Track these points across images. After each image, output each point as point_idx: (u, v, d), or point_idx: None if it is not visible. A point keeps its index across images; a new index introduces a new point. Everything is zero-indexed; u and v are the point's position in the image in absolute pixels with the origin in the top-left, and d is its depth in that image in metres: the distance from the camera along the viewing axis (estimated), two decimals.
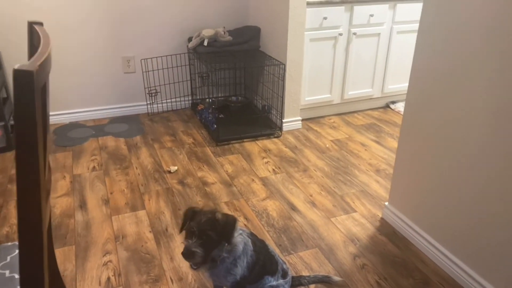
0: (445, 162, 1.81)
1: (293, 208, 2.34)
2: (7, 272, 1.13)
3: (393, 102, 3.83)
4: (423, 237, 1.98)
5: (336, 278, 1.80)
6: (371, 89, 3.63)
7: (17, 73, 0.68)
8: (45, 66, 0.80)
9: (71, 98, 3.39)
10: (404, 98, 3.77)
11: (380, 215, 2.27)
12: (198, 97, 3.74)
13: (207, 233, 1.31)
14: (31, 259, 0.87)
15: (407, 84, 3.52)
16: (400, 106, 3.75)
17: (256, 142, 3.13)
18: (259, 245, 1.53)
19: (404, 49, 3.57)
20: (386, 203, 2.23)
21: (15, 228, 2.11)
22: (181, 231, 1.40)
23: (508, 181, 1.53)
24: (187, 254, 1.31)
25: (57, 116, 3.37)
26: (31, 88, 0.69)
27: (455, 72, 1.68)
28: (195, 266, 1.34)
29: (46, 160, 0.86)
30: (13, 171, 2.65)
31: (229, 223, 1.37)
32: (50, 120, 3.41)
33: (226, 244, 1.36)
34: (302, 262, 1.93)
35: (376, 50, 3.49)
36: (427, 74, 1.83)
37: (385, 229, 2.16)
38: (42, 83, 0.79)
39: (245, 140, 3.14)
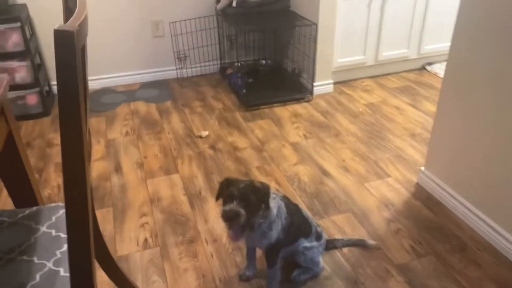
0: (486, 126, 1.72)
1: (325, 173, 2.32)
2: (53, 232, 1.17)
3: (430, 64, 3.66)
4: (459, 202, 1.93)
5: (371, 242, 1.79)
6: (407, 50, 3.47)
7: (58, 34, 0.67)
8: (83, 27, 0.79)
9: (102, 63, 3.41)
10: (441, 59, 3.60)
11: (415, 180, 2.22)
12: (226, 61, 3.69)
13: (248, 196, 1.31)
14: (78, 218, 0.89)
15: (445, 44, 3.34)
16: (436, 68, 3.58)
17: (286, 107, 3.09)
18: (292, 208, 1.53)
19: (444, 6, 3.36)
20: (422, 168, 2.17)
21: (56, 190, 2.20)
22: (217, 199, 1.39)
23: None
24: (232, 214, 1.29)
25: (89, 81, 3.42)
26: (72, 48, 0.68)
27: (503, 31, 1.57)
28: (236, 233, 1.33)
29: (87, 122, 0.86)
30: (51, 135, 2.74)
31: (266, 189, 1.37)
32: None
33: (263, 208, 1.36)
34: (335, 226, 1.92)
35: (413, 8, 3.29)
36: (471, 33, 1.72)
37: (420, 194, 2.12)
38: (81, 44, 0.78)
39: (275, 104, 3.10)
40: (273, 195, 1.45)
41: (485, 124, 1.74)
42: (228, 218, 1.30)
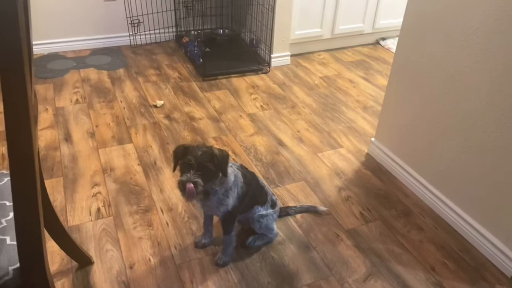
0: (431, 100, 1.81)
1: (281, 143, 2.36)
2: None
3: (383, 39, 3.76)
4: (406, 171, 2.04)
5: (322, 208, 1.87)
6: (362, 24, 3.53)
7: None
8: None
9: (49, 27, 3.20)
10: (394, 35, 3.71)
11: (366, 151, 2.32)
12: (182, 29, 3.58)
13: (206, 165, 1.29)
14: (24, 186, 0.86)
15: (398, 20, 3.42)
16: (390, 43, 3.69)
17: (244, 77, 3.07)
18: (249, 177, 1.55)
19: None
20: (372, 139, 2.26)
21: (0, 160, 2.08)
22: (174, 169, 1.37)
23: (487, 120, 1.55)
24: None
25: (35, 46, 3.20)
26: None
27: (451, 9, 1.63)
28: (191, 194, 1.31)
29: (32, 84, 0.81)
30: None
31: (224, 156, 1.36)
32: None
33: (220, 176, 1.36)
34: (289, 194, 1.98)
35: None
36: (422, 10, 1.77)
37: (370, 163, 2.22)
38: None
39: (232, 75, 3.07)
40: (231, 163, 1.46)
41: (430, 98, 1.83)
42: (185, 188, 1.28)
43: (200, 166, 1.29)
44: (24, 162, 0.82)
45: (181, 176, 1.32)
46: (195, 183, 1.27)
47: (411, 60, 1.89)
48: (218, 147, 2.26)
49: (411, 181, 2.02)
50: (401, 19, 1.93)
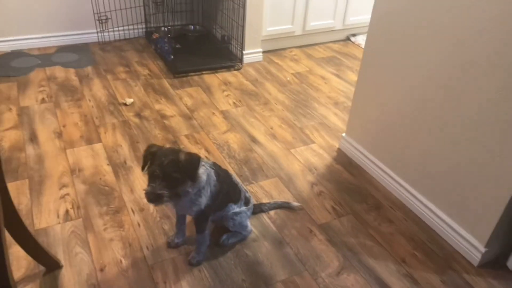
0: (401, 95, 1.85)
1: (254, 140, 2.35)
2: None
3: (354, 35, 3.81)
4: (376, 165, 2.08)
5: (295, 204, 1.88)
6: (333, 21, 3.57)
7: None
8: None
9: (11, 24, 3.07)
10: (364, 31, 3.76)
11: (337, 146, 2.34)
12: (152, 25, 3.52)
13: (172, 175, 1.26)
14: None
15: (368, 17, 3.48)
16: (360, 39, 3.74)
17: (216, 74, 3.04)
18: (222, 175, 1.53)
19: None
20: (343, 134, 2.29)
21: None
22: (142, 169, 1.34)
23: (455, 114, 1.60)
24: (153, 198, 1.26)
25: None
26: None
27: (419, 3, 1.66)
28: (158, 205, 1.29)
29: None
30: None
31: (193, 162, 1.31)
32: None
33: (189, 182, 1.34)
34: (263, 191, 1.98)
35: None
36: (390, 5, 1.80)
37: (341, 158, 2.25)
38: None
39: (204, 72, 3.04)
40: (203, 162, 1.44)
41: (399, 93, 1.86)
42: (151, 200, 1.27)
43: (165, 176, 1.26)
44: None
45: (147, 185, 1.29)
46: (159, 195, 1.25)
47: (380, 55, 1.93)
48: (188, 150, 2.25)
49: (381, 175, 2.06)
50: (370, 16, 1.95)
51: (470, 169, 1.61)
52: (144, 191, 1.30)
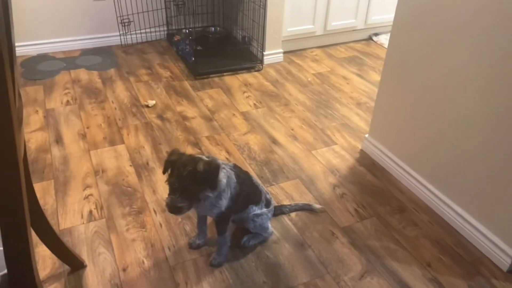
0: (425, 95, 1.80)
1: (274, 141, 2.34)
2: None
3: (376, 34, 3.75)
4: (401, 167, 2.03)
5: (317, 206, 1.85)
6: (355, 20, 3.52)
7: None
8: None
9: (38, 28, 3.16)
10: (387, 30, 3.70)
11: (360, 147, 2.30)
12: (174, 28, 3.55)
13: (191, 188, 1.28)
14: (9, 190, 0.83)
15: (391, 15, 3.42)
16: (382, 39, 3.68)
17: (236, 75, 3.05)
18: (242, 177, 1.53)
19: None
20: (366, 135, 2.25)
21: None
22: (164, 173, 1.35)
23: (483, 115, 1.54)
24: (173, 210, 1.30)
25: (23, 47, 3.16)
26: None
27: (443, 3, 1.62)
28: (178, 215, 1.33)
29: (15, 84, 0.79)
30: None
31: (212, 172, 1.31)
32: (16, 51, 3.20)
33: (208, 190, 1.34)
34: (284, 193, 1.96)
35: None
36: (414, 3, 1.76)
37: (364, 160, 2.21)
38: None
39: (224, 73, 3.05)
40: (223, 165, 1.43)
41: (424, 93, 1.82)
42: (171, 211, 1.31)
43: (184, 189, 1.29)
44: (7, 166, 0.80)
45: (168, 195, 1.32)
46: (179, 208, 1.29)
47: (404, 55, 1.88)
48: (211, 147, 2.25)
49: (406, 177, 2.01)
50: (393, 14, 1.91)
51: (501, 171, 1.55)
52: (164, 201, 1.34)
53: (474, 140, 1.63)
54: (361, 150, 2.28)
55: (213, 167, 1.31)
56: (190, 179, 1.28)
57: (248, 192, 1.54)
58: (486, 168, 1.61)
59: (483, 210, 1.66)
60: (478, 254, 1.68)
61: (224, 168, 1.43)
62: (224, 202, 1.43)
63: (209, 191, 1.34)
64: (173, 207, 1.30)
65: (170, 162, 1.32)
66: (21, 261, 0.94)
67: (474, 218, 1.71)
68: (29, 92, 2.70)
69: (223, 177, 1.40)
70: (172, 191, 1.31)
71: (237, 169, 1.54)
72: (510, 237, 1.57)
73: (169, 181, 1.32)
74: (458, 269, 1.61)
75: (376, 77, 3.07)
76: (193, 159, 1.32)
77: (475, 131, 1.62)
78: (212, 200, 1.40)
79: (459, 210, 1.76)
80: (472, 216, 1.71)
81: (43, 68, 3.01)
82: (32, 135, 2.29)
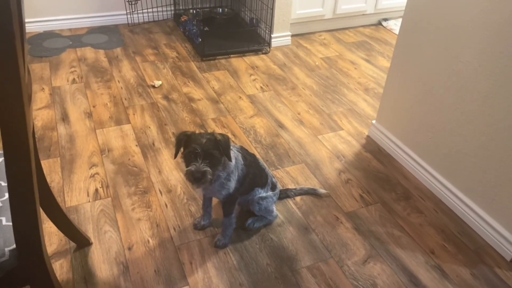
0: (434, 84, 1.78)
1: (281, 125, 2.33)
2: None
3: (386, 20, 3.69)
4: (407, 153, 2.02)
5: (322, 191, 1.85)
6: (365, 4, 3.46)
7: None
8: None
9: (44, 5, 3.12)
10: (397, 16, 3.64)
11: (366, 133, 2.29)
12: (181, 8, 3.51)
13: (212, 152, 1.28)
14: (19, 166, 0.83)
15: (401, 1, 3.36)
16: (392, 24, 3.62)
17: (243, 58, 3.02)
18: (249, 159, 1.53)
19: None
20: (374, 121, 2.24)
21: None
22: (176, 156, 1.35)
23: (491, 104, 1.52)
24: (199, 176, 1.26)
25: (30, 24, 3.13)
26: None
27: None
28: (200, 185, 1.30)
29: (25, 60, 0.78)
30: None
31: (227, 142, 1.34)
32: None
33: (224, 161, 1.34)
34: (289, 177, 1.96)
35: None
36: None
37: (371, 146, 2.20)
38: None
39: (231, 55, 3.02)
40: (231, 147, 1.43)
41: (434, 81, 1.79)
42: (195, 178, 1.28)
43: (206, 154, 1.28)
44: (18, 142, 0.80)
45: (188, 166, 1.30)
46: (204, 172, 1.26)
47: (414, 42, 1.85)
48: (217, 129, 2.25)
49: (412, 164, 2.00)
50: (403, 0, 1.87)
51: (508, 160, 1.54)
52: (186, 172, 1.30)
53: (481, 129, 1.61)
54: (368, 136, 2.27)
55: (225, 138, 1.34)
56: (211, 145, 1.28)
57: (254, 174, 1.54)
58: (492, 157, 1.59)
59: (488, 199, 1.66)
60: (482, 243, 1.68)
61: (231, 149, 1.43)
62: (232, 184, 1.43)
63: (220, 169, 1.34)
64: (198, 172, 1.26)
65: (186, 136, 1.32)
66: (30, 237, 0.95)
67: (479, 207, 1.70)
68: (35, 69, 2.69)
69: (232, 158, 1.40)
70: (193, 159, 1.28)
71: (243, 151, 1.54)
72: None
73: (189, 150, 1.29)
74: (461, 257, 1.62)
75: (385, 63, 3.03)
76: (207, 132, 1.35)
77: (482, 120, 1.60)
78: (222, 180, 1.40)
79: (464, 198, 1.76)
80: (477, 205, 1.71)
81: (49, 45, 2.99)
82: (38, 112, 2.28)
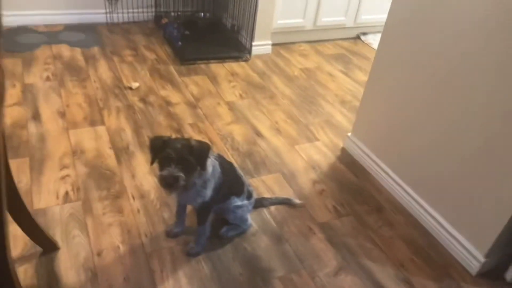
0: (410, 100, 1.83)
1: (258, 134, 2.33)
2: None
3: (364, 34, 3.77)
4: (380, 167, 2.07)
5: (296, 201, 1.86)
6: (345, 18, 3.53)
7: None
8: None
9: None
10: (375, 30, 3.72)
11: (342, 145, 2.33)
12: (162, 10, 3.47)
13: (186, 158, 1.26)
14: None
15: (380, 16, 3.44)
16: (370, 39, 3.71)
17: (223, 64, 3.01)
18: (227, 167, 1.52)
19: None
20: (349, 134, 2.27)
21: None
22: (152, 163, 1.32)
23: (467, 124, 1.58)
24: (171, 181, 1.25)
25: (3, 17, 3.02)
26: None
27: (435, 11, 1.64)
28: (173, 190, 1.28)
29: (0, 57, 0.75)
30: None
31: (204, 149, 1.32)
32: None
33: (199, 169, 1.33)
34: (265, 186, 1.97)
35: None
36: (407, 8, 1.77)
37: (345, 158, 2.23)
38: None
39: (211, 61, 3.01)
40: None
41: (410, 98, 1.84)
42: (167, 183, 1.26)
43: (180, 159, 1.26)
44: None
45: (161, 170, 1.28)
46: (177, 178, 1.25)
47: (392, 58, 1.90)
48: (198, 138, 2.23)
49: (384, 177, 2.04)
50: (383, 15, 1.92)
51: (476, 178, 1.60)
52: (159, 176, 1.28)
53: (455, 148, 1.67)
54: (343, 148, 2.31)
55: (205, 145, 1.33)
56: (185, 151, 1.27)
57: (231, 182, 1.54)
58: (462, 173, 1.65)
59: (456, 214, 1.71)
60: (449, 257, 1.73)
61: (209, 157, 1.42)
62: (208, 192, 1.42)
63: (196, 175, 1.33)
64: (171, 177, 1.25)
65: (162, 141, 1.30)
66: None
67: (448, 222, 1.75)
68: (7, 65, 2.60)
69: (208, 165, 1.38)
70: (167, 163, 1.27)
71: (221, 159, 1.53)
72: (481, 242, 1.62)
73: (163, 155, 1.27)
74: (429, 270, 1.65)
75: (362, 77, 3.09)
76: (184, 138, 1.34)
77: (456, 138, 1.65)
78: (198, 187, 1.38)
79: (434, 213, 1.81)
80: (445, 220, 1.76)
81: (22, 40, 2.90)
82: (8, 110, 2.20)
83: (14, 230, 1.51)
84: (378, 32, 3.66)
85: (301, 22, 3.36)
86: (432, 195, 1.81)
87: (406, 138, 1.90)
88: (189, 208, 1.67)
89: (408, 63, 1.82)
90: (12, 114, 2.17)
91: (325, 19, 3.44)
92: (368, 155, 2.14)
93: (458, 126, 1.64)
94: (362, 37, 3.74)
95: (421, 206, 1.86)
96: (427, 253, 1.73)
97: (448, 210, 1.75)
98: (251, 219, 1.73)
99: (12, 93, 2.34)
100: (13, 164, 1.85)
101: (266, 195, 1.90)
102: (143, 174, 1.91)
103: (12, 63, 2.61)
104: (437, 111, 1.72)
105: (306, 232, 1.75)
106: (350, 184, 2.05)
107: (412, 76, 1.81)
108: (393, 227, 1.83)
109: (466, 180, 1.64)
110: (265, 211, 1.82)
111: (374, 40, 3.65)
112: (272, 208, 1.84)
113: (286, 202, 1.87)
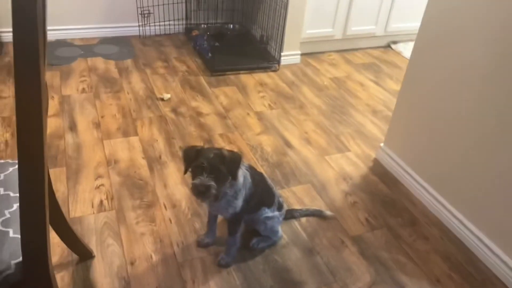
0: (445, 109, 1.78)
1: (288, 144, 2.32)
2: (1, 190, 1.09)
3: (395, 42, 3.71)
4: (414, 179, 2.01)
5: (328, 213, 1.84)
6: (374, 26, 3.49)
7: None
8: None
9: (58, 13, 3.16)
10: (406, 39, 3.66)
11: (374, 156, 2.28)
12: (192, 22, 3.54)
13: (218, 168, 1.27)
14: (33, 177, 0.83)
15: (411, 24, 3.39)
16: (401, 47, 3.64)
17: (252, 74, 3.03)
18: (257, 178, 1.52)
19: None
20: (382, 144, 2.23)
21: (3, 146, 2.05)
22: (186, 172, 1.35)
23: (503, 133, 1.52)
24: (203, 189, 1.26)
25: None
26: None
27: (471, 17, 1.59)
28: (204, 199, 1.30)
29: (44, 72, 0.78)
30: None
31: (236, 159, 1.33)
32: None
33: (230, 179, 1.33)
34: (295, 197, 1.95)
35: None
36: (441, 16, 1.73)
37: (378, 169, 2.19)
38: None
39: (241, 72, 3.03)
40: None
41: (444, 107, 1.79)
42: (199, 192, 1.28)
43: (212, 168, 1.27)
44: (33, 155, 0.79)
45: (193, 179, 1.30)
46: (208, 187, 1.26)
47: (427, 66, 1.86)
48: (223, 145, 2.24)
49: (419, 189, 1.99)
50: (414, 23, 1.89)
51: None
52: (191, 184, 1.30)
53: (494, 159, 1.60)
54: (375, 158, 2.26)
55: (237, 156, 1.34)
56: (218, 160, 1.28)
57: (262, 193, 1.53)
58: (503, 186, 1.58)
59: (496, 228, 1.64)
60: (489, 273, 1.65)
61: (240, 167, 1.42)
62: (239, 202, 1.42)
63: (228, 186, 1.34)
64: (202, 186, 1.26)
65: (195, 151, 1.32)
66: (38, 250, 0.94)
67: (486, 236, 1.68)
68: (47, 78, 2.70)
69: (240, 176, 1.39)
70: (199, 172, 1.28)
71: (252, 170, 1.53)
72: None
73: (196, 164, 1.29)
74: (467, 287, 1.59)
75: (393, 86, 3.04)
76: (216, 148, 1.35)
77: (495, 149, 1.59)
78: (229, 198, 1.39)
79: (471, 226, 1.74)
80: (484, 234, 1.69)
81: (60, 54, 3.02)
82: (47, 121, 2.29)
83: (52, 238, 1.55)
84: (409, 40, 3.60)
85: (330, 31, 3.35)
86: (470, 209, 1.75)
87: (442, 149, 1.85)
88: (220, 218, 1.67)
89: (443, 71, 1.78)
90: (51, 124, 2.26)
91: (355, 28, 3.41)
92: (401, 166, 2.09)
93: (499, 138, 1.58)
94: (393, 46, 3.69)
95: (458, 220, 1.79)
96: (465, 268, 1.67)
97: (487, 224, 1.68)
98: (282, 230, 1.72)
99: (51, 105, 2.43)
100: (51, 173, 1.92)
101: (297, 206, 1.89)
102: (175, 184, 1.94)
103: (50, 75, 2.73)
104: (474, 123, 1.67)
105: (338, 244, 1.72)
106: (383, 196, 2.01)
107: (446, 86, 1.77)
108: (428, 241, 1.77)
109: (507, 193, 1.57)
110: (295, 222, 1.80)
111: (404, 49, 3.59)
112: (303, 219, 1.82)
113: (317, 214, 1.84)
